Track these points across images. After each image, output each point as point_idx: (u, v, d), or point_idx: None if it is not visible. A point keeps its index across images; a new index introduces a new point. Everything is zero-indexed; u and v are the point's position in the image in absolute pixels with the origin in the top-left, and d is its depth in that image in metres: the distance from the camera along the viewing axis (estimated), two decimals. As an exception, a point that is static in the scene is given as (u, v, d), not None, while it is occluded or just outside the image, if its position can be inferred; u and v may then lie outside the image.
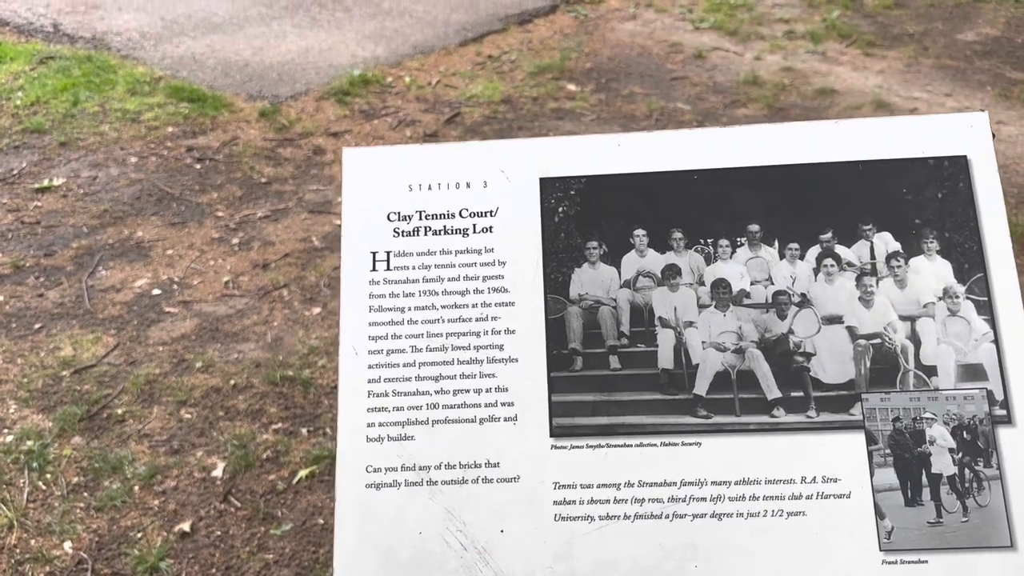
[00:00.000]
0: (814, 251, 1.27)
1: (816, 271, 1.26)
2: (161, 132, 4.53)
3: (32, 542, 2.31)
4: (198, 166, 4.27)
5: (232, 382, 2.90)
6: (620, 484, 1.19)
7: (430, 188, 1.33)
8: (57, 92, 4.84)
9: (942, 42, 5.93)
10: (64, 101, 4.75)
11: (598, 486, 1.19)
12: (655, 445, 1.20)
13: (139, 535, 2.34)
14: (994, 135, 1.29)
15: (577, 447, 1.21)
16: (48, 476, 2.52)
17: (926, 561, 1.15)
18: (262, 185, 4.14)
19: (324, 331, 3.15)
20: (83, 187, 4.05)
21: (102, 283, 3.41)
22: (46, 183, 4.05)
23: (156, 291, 3.37)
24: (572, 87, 5.27)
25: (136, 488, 2.49)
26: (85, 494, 2.46)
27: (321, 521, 2.40)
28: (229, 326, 3.18)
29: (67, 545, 2.31)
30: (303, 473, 2.53)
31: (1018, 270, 1.24)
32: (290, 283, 3.43)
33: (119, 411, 2.77)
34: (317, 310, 3.28)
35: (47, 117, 4.60)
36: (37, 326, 3.16)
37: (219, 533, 2.37)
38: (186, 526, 2.38)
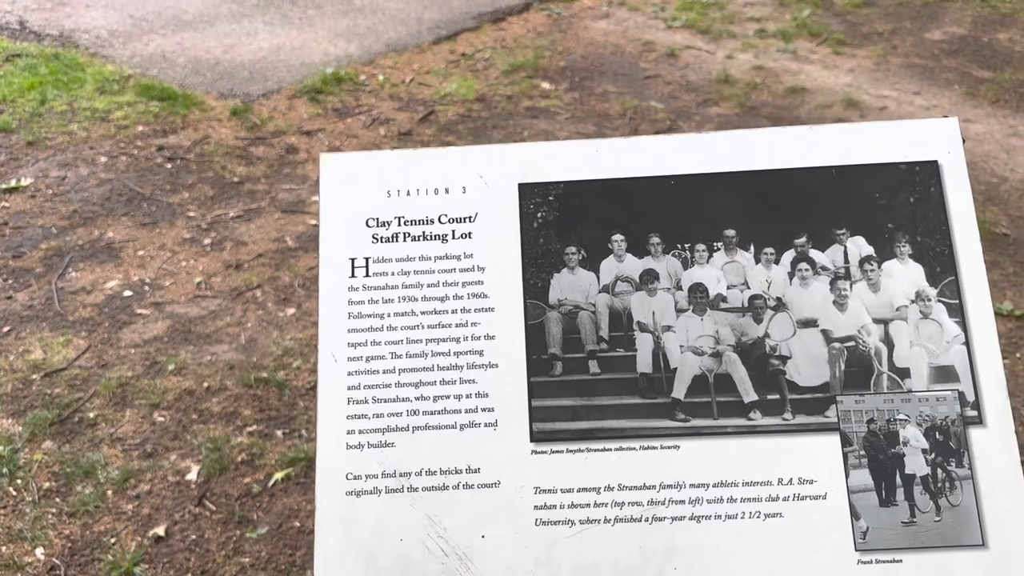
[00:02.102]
0: (789, 255, 1.29)
1: (791, 275, 1.28)
2: (131, 131, 4.48)
3: (3, 549, 2.28)
4: (169, 165, 4.23)
5: (205, 384, 2.88)
6: (600, 488, 1.20)
7: (408, 194, 1.33)
8: (24, 91, 4.76)
9: (910, 41, 6.01)
10: (31, 100, 4.68)
11: (578, 490, 1.20)
12: (634, 449, 1.21)
13: (113, 540, 2.32)
14: (964, 139, 1.31)
15: (557, 452, 1.22)
16: (19, 482, 2.48)
17: (901, 560, 1.17)
18: (234, 185, 4.10)
19: (298, 332, 3.13)
20: (52, 187, 3.99)
21: (72, 285, 3.36)
22: (13, 183, 3.99)
23: (127, 293, 3.34)
24: (546, 85, 5.27)
25: (109, 492, 2.46)
26: (57, 499, 2.44)
27: (297, 524, 2.39)
28: (202, 328, 3.16)
29: (39, 552, 2.28)
30: (278, 476, 2.52)
31: (987, 267, 1.27)
32: (264, 284, 3.41)
33: (91, 415, 2.73)
34: (291, 311, 3.26)
35: (14, 116, 4.53)
36: (6, 329, 3.11)
37: (194, 537, 2.35)
38: (160, 530, 2.36)
